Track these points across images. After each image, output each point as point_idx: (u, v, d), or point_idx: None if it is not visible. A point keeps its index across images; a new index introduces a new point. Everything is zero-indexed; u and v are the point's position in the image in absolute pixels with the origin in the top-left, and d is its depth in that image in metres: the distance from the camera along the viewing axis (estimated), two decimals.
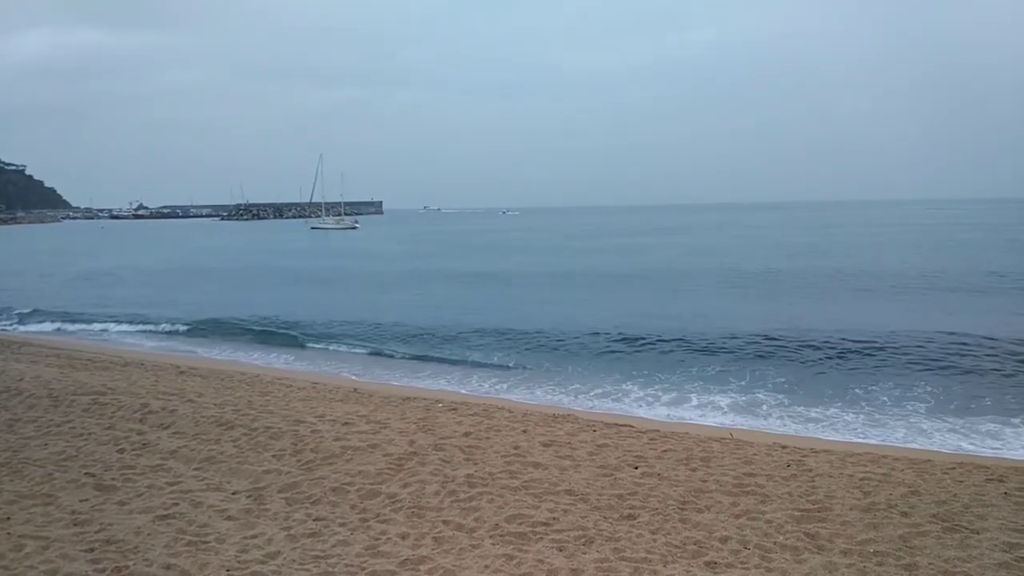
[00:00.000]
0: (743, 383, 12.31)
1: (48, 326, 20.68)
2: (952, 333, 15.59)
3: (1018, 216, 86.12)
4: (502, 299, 25.01)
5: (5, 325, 21.16)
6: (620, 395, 11.87)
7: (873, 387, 11.85)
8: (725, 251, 44.59)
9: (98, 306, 24.20)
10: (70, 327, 20.38)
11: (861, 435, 9.48)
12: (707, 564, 4.91)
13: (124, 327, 20.18)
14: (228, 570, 4.87)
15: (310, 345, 17.19)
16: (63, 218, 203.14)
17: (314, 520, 5.70)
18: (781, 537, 5.33)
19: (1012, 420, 9.90)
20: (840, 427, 9.88)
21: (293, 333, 18.46)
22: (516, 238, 70.33)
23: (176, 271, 39.10)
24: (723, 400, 11.36)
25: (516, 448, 7.65)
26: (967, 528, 5.47)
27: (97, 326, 20.40)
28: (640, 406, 11.21)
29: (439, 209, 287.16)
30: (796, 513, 5.80)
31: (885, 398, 11.20)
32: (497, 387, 12.66)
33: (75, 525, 5.59)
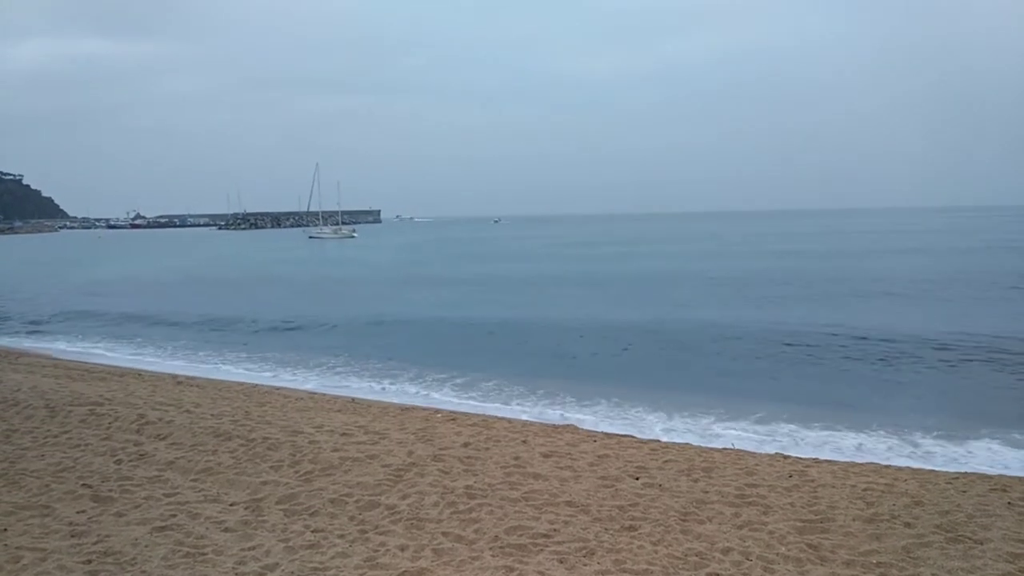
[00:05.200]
0: (745, 393, 12.27)
1: (43, 340, 20.57)
2: (958, 339, 15.62)
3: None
4: (500, 306, 25.00)
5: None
6: (621, 405, 11.81)
7: (876, 396, 11.85)
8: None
9: (85, 318, 24.13)
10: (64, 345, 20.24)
11: (866, 452, 9.32)
12: None
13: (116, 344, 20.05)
14: None
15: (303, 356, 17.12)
16: (60, 228, 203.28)
17: (312, 532, 5.65)
18: (783, 548, 5.29)
19: (1015, 430, 9.87)
20: (842, 441, 9.82)
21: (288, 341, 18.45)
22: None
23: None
24: (724, 411, 11.32)
25: (516, 459, 7.61)
26: (971, 538, 5.44)
27: (81, 340, 20.23)
28: (641, 416, 11.15)
29: (412, 218, 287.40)
30: (798, 524, 5.77)
31: (887, 406, 11.17)
32: (497, 396, 12.61)
33: (72, 537, 5.54)
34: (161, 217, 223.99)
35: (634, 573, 4.91)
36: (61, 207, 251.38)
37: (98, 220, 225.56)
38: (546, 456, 7.76)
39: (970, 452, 9.06)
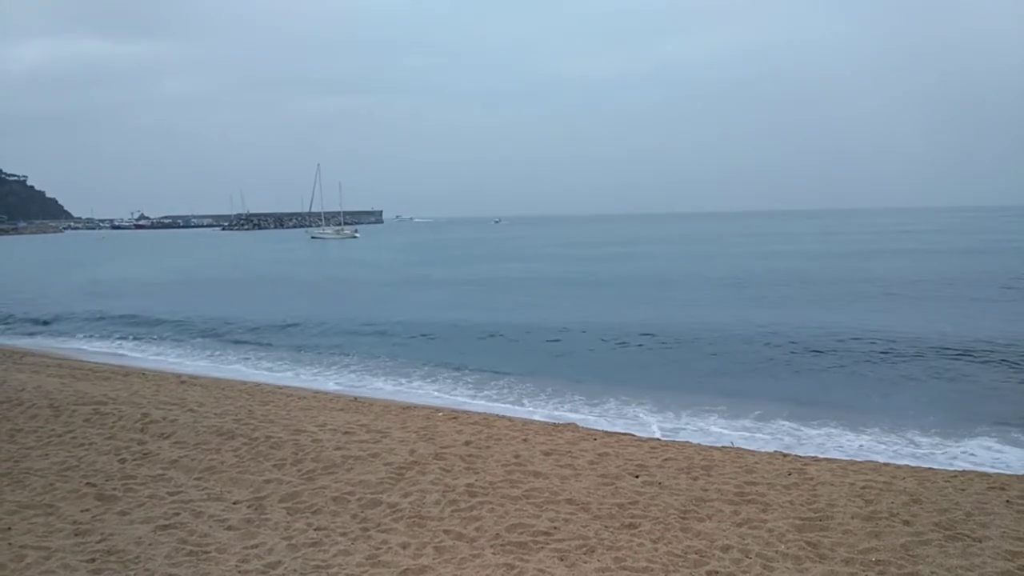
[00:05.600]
0: (744, 392, 12.29)
1: (49, 338, 20.69)
2: (956, 339, 15.62)
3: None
4: (502, 306, 25.03)
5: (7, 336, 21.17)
6: (622, 404, 11.85)
7: (875, 395, 11.87)
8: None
9: (96, 318, 24.18)
10: (74, 342, 20.35)
11: (865, 451, 9.30)
12: (708, 573, 4.90)
13: (123, 340, 20.17)
14: None
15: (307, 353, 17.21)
16: (64, 228, 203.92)
17: (315, 530, 5.69)
18: (783, 546, 5.32)
19: (1013, 429, 9.89)
20: (841, 439, 9.84)
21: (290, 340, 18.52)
22: None
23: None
24: (724, 410, 11.35)
25: (517, 457, 7.64)
26: (969, 536, 5.46)
27: (96, 339, 20.35)
28: (642, 415, 11.19)
29: (412, 219, 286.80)
30: (798, 522, 5.79)
31: (886, 405, 11.19)
32: (498, 395, 12.66)
33: (76, 535, 5.59)
34: (165, 218, 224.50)
35: (634, 571, 4.94)
36: (65, 208, 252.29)
37: (102, 221, 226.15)
38: (547, 454, 7.80)
39: (968, 450, 9.09)
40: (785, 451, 8.65)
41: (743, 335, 17.46)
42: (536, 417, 10.74)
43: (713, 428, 10.31)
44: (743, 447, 8.74)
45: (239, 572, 4.96)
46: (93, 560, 5.14)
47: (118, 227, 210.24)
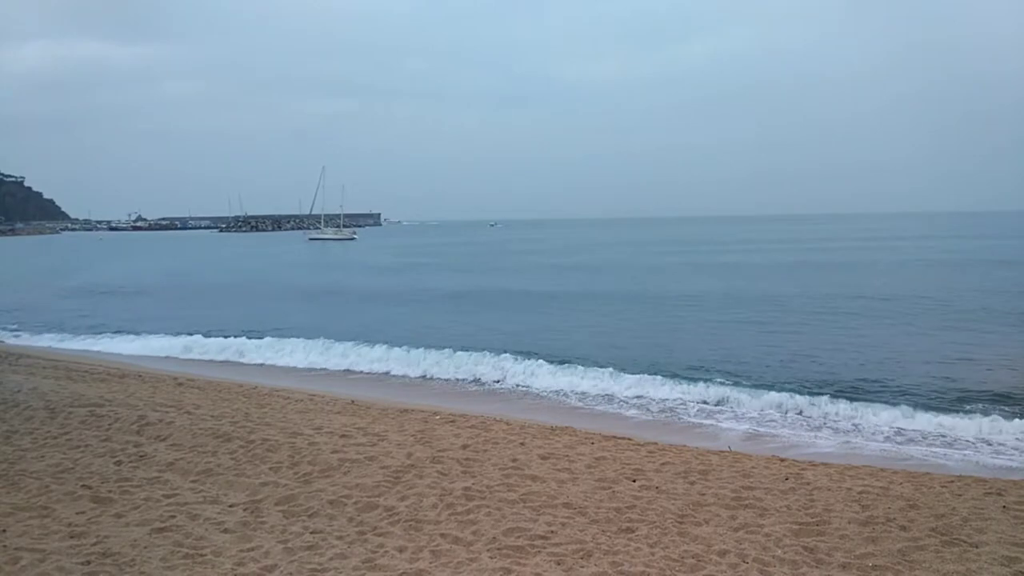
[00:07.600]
0: (740, 397, 12.29)
1: (44, 337, 20.64)
2: (954, 346, 15.64)
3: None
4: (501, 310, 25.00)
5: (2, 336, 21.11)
6: (620, 408, 11.86)
7: (872, 401, 11.87)
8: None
9: (91, 319, 24.05)
10: (66, 341, 20.28)
11: (858, 455, 9.28)
12: None
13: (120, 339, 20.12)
14: None
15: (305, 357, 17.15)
16: (61, 230, 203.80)
17: (311, 533, 5.68)
18: (780, 551, 5.31)
19: (1010, 435, 9.89)
20: (838, 444, 9.84)
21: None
22: None
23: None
24: (719, 413, 11.36)
25: (514, 461, 7.63)
26: (966, 542, 5.46)
27: (90, 340, 20.27)
28: (640, 419, 11.19)
29: (400, 222, 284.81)
30: (795, 527, 5.79)
31: (883, 411, 11.18)
32: (496, 397, 12.65)
33: (71, 538, 5.56)
34: (162, 219, 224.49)
35: (631, 575, 4.93)
36: (63, 209, 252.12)
37: (99, 222, 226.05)
38: (544, 458, 7.79)
39: (965, 456, 9.10)
40: (782, 455, 8.64)
41: (741, 342, 17.47)
42: (533, 419, 10.71)
43: (710, 432, 10.31)
44: (740, 451, 8.74)
45: (234, 575, 4.94)
46: (88, 563, 5.11)
47: (115, 229, 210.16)
